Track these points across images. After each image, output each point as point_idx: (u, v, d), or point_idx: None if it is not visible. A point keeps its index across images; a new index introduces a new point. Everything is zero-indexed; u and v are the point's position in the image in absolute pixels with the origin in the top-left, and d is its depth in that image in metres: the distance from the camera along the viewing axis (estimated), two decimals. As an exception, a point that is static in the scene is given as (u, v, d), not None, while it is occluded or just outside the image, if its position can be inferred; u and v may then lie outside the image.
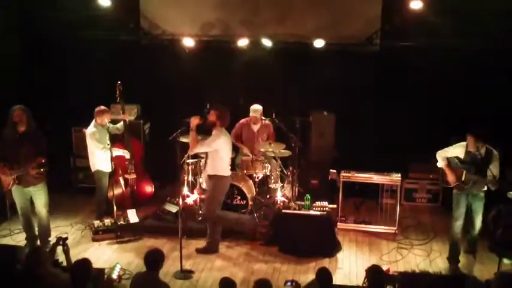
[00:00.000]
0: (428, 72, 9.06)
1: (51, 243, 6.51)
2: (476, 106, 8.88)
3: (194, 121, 7.40)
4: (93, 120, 8.12)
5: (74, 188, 9.66)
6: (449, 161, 7.23)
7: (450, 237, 7.47)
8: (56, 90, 9.83)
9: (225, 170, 7.53)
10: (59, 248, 6.29)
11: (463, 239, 7.62)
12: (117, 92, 8.36)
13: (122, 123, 8.50)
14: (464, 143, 7.12)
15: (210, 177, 7.53)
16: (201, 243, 7.84)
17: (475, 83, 8.90)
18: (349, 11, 9.25)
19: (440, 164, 7.27)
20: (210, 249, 7.69)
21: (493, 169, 6.95)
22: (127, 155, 8.41)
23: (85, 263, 5.53)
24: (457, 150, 7.18)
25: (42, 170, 7.24)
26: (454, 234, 7.37)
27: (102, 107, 8.14)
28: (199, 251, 7.72)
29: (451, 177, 7.17)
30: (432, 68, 9.03)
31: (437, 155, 7.30)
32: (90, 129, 8.10)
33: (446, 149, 7.27)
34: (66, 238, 6.31)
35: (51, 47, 9.76)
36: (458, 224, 7.31)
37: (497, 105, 8.85)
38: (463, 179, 7.06)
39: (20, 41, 9.68)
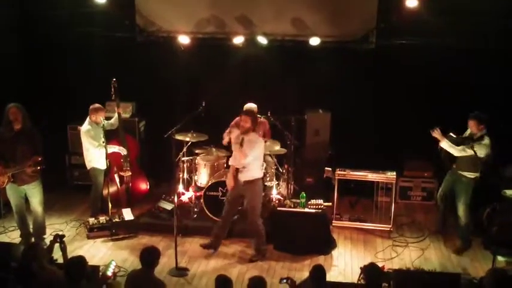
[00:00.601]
0: (424, 70, 9.06)
1: (49, 240, 6.49)
2: (473, 104, 8.87)
3: (231, 134, 7.49)
4: (88, 118, 8.10)
5: (69, 186, 9.65)
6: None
7: None
8: (51, 87, 9.81)
9: (261, 172, 7.50)
10: (56, 246, 6.28)
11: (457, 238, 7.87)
12: (112, 90, 8.34)
13: (116, 116, 8.47)
14: (468, 131, 7.54)
15: (248, 182, 7.35)
16: (196, 241, 7.87)
17: (471, 82, 8.91)
18: (345, 9, 9.24)
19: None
20: (212, 247, 7.68)
21: (478, 148, 7.28)
22: (123, 151, 8.39)
23: (80, 260, 5.53)
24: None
25: (38, 168, 7.23)
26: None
27: (97, 105, 8.12)
28: (204, 246, 7.69)
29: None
30: (428, 66, 9.02)
31: None
32: (84, 127, 8.09)
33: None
34: (63, 236, 6.31)
35: (46, 44, 9.74)
36: (439, 195, 8.10)
37: (494, 104, 8.87)
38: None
39: (15, 39, 9.64)
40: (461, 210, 7.59)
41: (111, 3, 9.07)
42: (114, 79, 8.32)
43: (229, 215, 7.66)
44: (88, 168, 8.24)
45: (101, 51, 9.48)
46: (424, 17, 8.55)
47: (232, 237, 7.95)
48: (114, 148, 8.23)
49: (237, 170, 7.38)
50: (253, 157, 7.25)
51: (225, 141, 8.27)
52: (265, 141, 8.52)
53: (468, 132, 7.59)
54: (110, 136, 8.24)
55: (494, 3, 8.40)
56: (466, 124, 7.62)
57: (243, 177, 7.33)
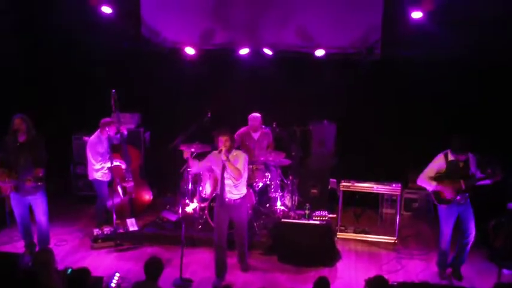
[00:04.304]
0: (428, 82, 9.06)
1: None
2: (477, 116, 8.90)
3: (203, 163, 7.15)
4: (98, 131, 8.11)
5: (73, 196, 9.65)
6: (437, 179, 7.08)
7: (440, 249, 7.34)
8: (57, 97, 9.86)
9: (245, 185, 7.30)
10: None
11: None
12: (112, 101, 8.29)
13: (118, 136, 8.41)
14: (441, 155, 7.04)
15: (237, 201, 7.10)
16: (201, 252, 7.85)
17: (476, 94, 8.91)
18: (349, 21, 9.26)
19: (431, 187, 7.10)
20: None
21: (473, 168, 7.00)
22: (123, 165, 8.39)
23: (83, 271, 5.52)
24: (437, 165, 7.07)
25: (39, 184, 7.23)
26: (443, 245, 7.27)
27: (108, 119, 8.15)
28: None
29: (449, 193, 7.00)
30: (432, 78, 9.03)
31: (420, 182, 7.19)
32: (92, 140, 8.10)
33: (426, 171, 7.12)
34: None
35: (52, 55, 9.79)
36: (449, 238, 7.22)
37: (498, 116, 8.87)
38: (463, 188, 6.96)
39: (21, 48, 9.69)
40: (473, 226, 7.14)
41: (117, 13, 9.13)
42: (114, 90, 8.27)
43: (224, 240, 7.23)
44: (90, 178, 8.25)
45: (106, 62, 9.52)
46: (429, 29, 8.57)
47: (234, 248, 7.90)
48: (116, 162, 8.22)
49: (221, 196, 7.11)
50: (244, 170, 7.04)
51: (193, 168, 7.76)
52: (270, 152, 8.55)
53: (441, 158, 7.05)
54: (112, 149, 8.21)
55: (499, 15, 8.38)
56: (472, 135, 7.49)
57: (233, 196, 7.05)
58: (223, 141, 6.87)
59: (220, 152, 6.86)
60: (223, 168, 6.93)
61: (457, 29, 8.57)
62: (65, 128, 9.53)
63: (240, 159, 7.00)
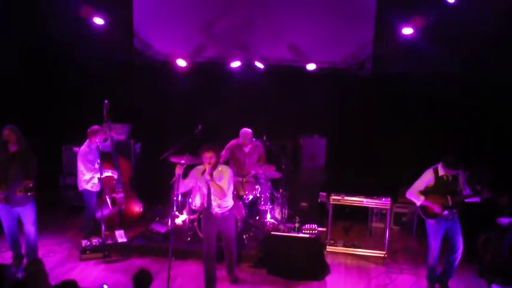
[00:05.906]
0: (419, 98, 9.12)
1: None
2: (468, 132, 8.95)
3: (187, 182, 7.12)
4: (87, 141, 8.10)
5: (63, 207, 9.60)
6: (425, 193, 7.10)
7: (428, 264, 7.31)
8: (48, 108, 9.83)
9: (232, 197, 7.31)
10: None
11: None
12: (104, 112, 8.29)
13: (108, 143, 8.44)
14: (430, 170, 7.08)
15: (224, 214, 7.10)
16: (189, 264, 7.81)
17: (466, 109, 8.97)
18: (341, 36, 9.33)
19: (419, 201, 7.11)
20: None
21: (461, 184, 7.05)
22: (115, 175, 8.38)
23: (71, 284, 5.47)
24: (427, 179, 7.09)
25: (29, 194, 7.20)
26: (431, 260, 7.24)
27: (95, 127, 8.13)
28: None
29: (437, 208, 6.99)
30: (422, 93, 9.08)
31: (409, 196, 7.21)
32: (83, 150, 8.08)
33: (415, 185, 7.15)
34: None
35: (44, 66, 9.79)
36: (437, 253, 7.19)
37: (489, 132, 8.92)
38: (450, 204, 7.00)
39: (13, 60, 9.66)
40: (461, 241, 7.15)
41: (110, 26, 9.15)
42: (106, 101, 8.28)
43: (213, 250, 7.23)
44: (80, 189, 8.22)
45: (98, 73, 9.52)
46: (420, 45, 8.64)
47: (223, 260, 7.86)
48: (107, 172, 8.21)
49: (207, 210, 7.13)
50: (228, 187, 7.03)
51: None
52: (260, 165, 8.55)
53: (431, 172, 7.10)
54: (103, 159, 8.19)
55: (491, 30, 8.44)
56: (463, 151, 7.52)
57: (221, 210, 7.06)
58: (208, 158, 6.82)
59: (203, 172, 6.83)
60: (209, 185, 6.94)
61: (448, 45, 8.65)
62: (55, 138, 9.49)
63: (225, 175, 6.95)
